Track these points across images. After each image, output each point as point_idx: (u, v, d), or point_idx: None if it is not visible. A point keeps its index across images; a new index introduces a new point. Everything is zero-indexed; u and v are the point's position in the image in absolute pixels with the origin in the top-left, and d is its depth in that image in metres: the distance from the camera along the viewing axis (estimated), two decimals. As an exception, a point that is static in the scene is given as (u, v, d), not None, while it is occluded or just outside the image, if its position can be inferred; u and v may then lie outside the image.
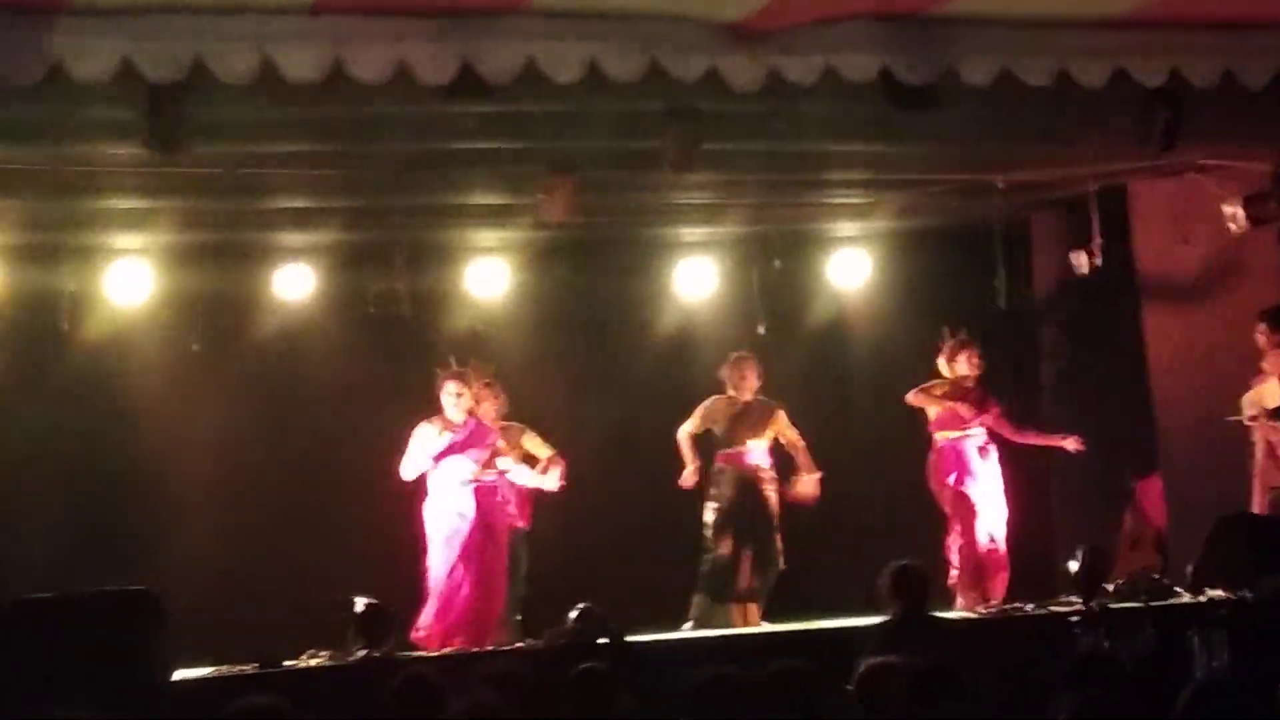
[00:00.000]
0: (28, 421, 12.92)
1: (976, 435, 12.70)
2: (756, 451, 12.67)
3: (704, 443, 12.69)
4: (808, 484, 12.65)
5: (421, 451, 11.65)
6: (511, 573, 12.08)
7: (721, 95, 9.43)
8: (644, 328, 13.89)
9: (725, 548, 12.49)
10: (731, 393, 12.67)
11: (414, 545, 11.71)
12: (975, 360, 12.72)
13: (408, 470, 11.64)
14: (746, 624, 12.37)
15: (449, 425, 11.73)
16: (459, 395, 11.73)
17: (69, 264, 11.18)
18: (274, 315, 13.18)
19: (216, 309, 12.76)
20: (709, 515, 12.60)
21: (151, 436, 13.13)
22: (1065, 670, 5.99)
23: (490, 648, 11.47)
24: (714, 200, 12.65)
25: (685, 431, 12.63)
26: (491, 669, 7.42)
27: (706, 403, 12.69)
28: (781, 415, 12.73)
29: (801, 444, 12.71)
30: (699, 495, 12.65)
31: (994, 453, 12.75)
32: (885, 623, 8.32)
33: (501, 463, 11.84)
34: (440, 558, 11.62)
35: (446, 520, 11.64)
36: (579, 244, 13.04)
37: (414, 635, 11.43)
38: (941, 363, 12.77)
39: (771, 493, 12.63)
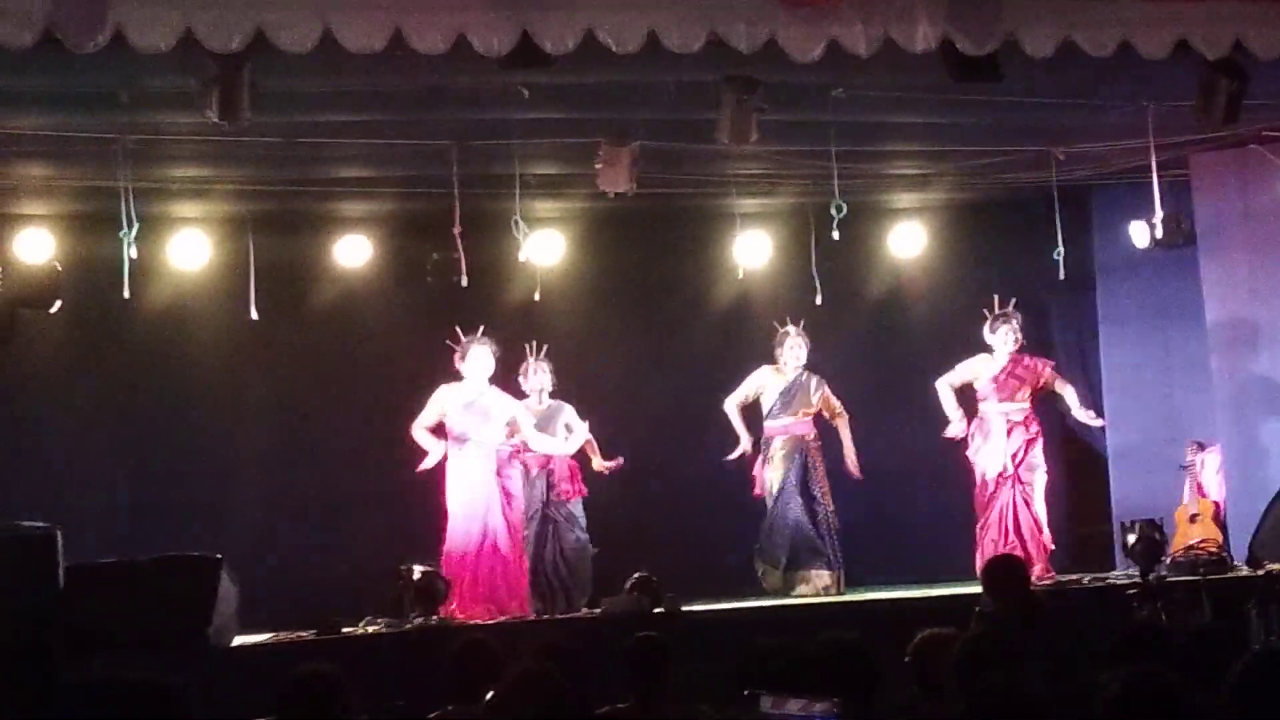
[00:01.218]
0: (90, 388, 13.04)
1: (1020, 408, 12.64)
2: (804, 422, 12.72)
3: (750, 413, 12.75)
4: (851, 464, 12.78)
5: (435, 414, 11.77)
6: (564, 545, 12.14)
7: (781, 66, 9.41)
8: (701, 298, 13.90)
9: (786, 515, 12.53)
10: (781, 364, 12.74)
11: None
12: (1016, 334, 12.64)
13: (418, 430, 11.76)
14: (818, 590, 12.39)
15: (470, 390, 11.83)
16: (482, 360, 11.82)
17: (130, 232, 11.24)
18: (332, 284, 13.26)
19: (275, 278, 12.83)
20: (769, 487, 12.63)
21: (211, 404, 13.24)
22: (1118, 643, 5.97)
23: (546, 616, 11.54)
24: (772, 171, 12.63)
25: (733, 402, 12.69)
26: (548, 637, 7.46)
27: (755, 374, 12.74)
28: (826, 387, 12.78)
29: (846, 419, 12.79)
30: (751, 466, 12.70)
31: (1036, 426, 12.68)
32: (989, 612, 8.19)
33: (529, 435, 11.96)
34: (461, 528, 11.69)
35: (467, 490, 11.71)
36: (637, 215, 13.03)
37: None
38: (985, 333, 12.73)
39: (820, 460, 12.69)
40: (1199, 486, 13.14)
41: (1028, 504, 12.49)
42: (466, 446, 11.78)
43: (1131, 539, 11.81)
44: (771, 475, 12.65)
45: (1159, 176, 12.04)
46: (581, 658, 6.32)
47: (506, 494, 11.79)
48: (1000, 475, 12.50)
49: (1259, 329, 13.02)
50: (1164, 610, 10.35)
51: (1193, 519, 12.81)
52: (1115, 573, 12.44)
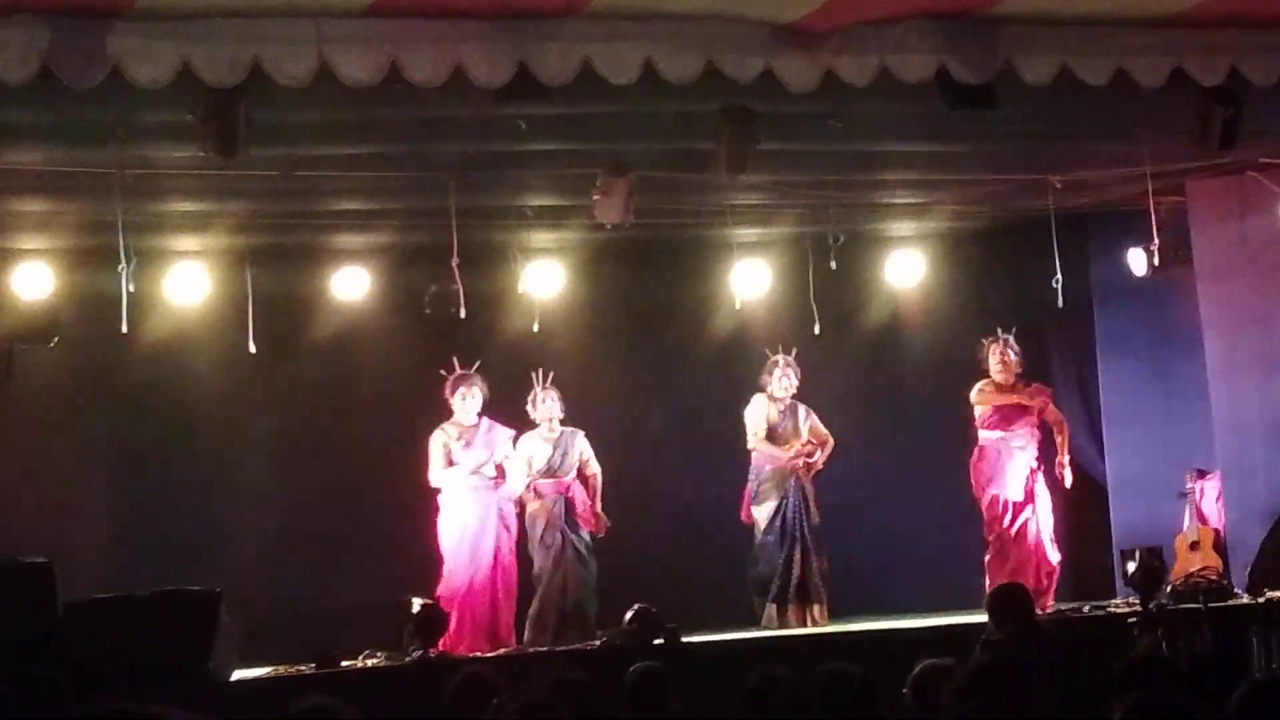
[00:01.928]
0: (88, 423, 13.01)
1: (1020, 436, 12.64)
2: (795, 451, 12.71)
3: (741, 445, 12.73)
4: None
5: (442, 458, 11.87)
6: (581, 576, 12.10)
7: (777, 96, 9.42)
8: (699, 328, 13.88)
9: (779, 549, 12.50)
10: (772, 394, 12.72)
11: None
12: (1007, 358, 12.64)
13: (437, 478, 11.89)
14: (810, 623, 12.37)
15: (462, 430, 11.89)
16: (469, 397, 11.86)
17: (129, 266, 11.24)
18: (330, 317, 13.23)
19: (273, 311, 12.81)
20: (759, 518, 12.61)
21: (209, 438, 13.21)
22: (1120, 671, 5.96)
23: (546, 648, 11.52)
24: (769, 201, 12.65)
25: (757, 439, 12.64)
26: (548, 669, 7.44)
27: (755, 407, 12.72)
28: (814, 416, 12.78)
29: (830, 444, 12.77)
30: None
31: (1038, 453, 12.66)
32: (991, 640, 8.18)
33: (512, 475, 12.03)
34: (458, 564, 11.71)
35: (464, 526, 11.75)
36: (634, 245, 13.05)
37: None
38: (987, 360, 12.76)
39: (810, 490, 12.66)
40: (1199, 513, 13.12)
41: (1037, 531, 12.49)
42: (464, 481, 11.83)
43: (1132, 567, 11.79)
44: (761, 508, 12.62)
45: (1156, 203, 12.05)
46: (585, 690, 6.29)
47: (505, 527, 11.84)
48: (1006, 502, 12.50)
49: (1257, 355, 13.01)
50: (1165, 638, 10.33)
51: (1193, 546, 12.78)
52: (1115, 601, 12.42)
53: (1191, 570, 12.37)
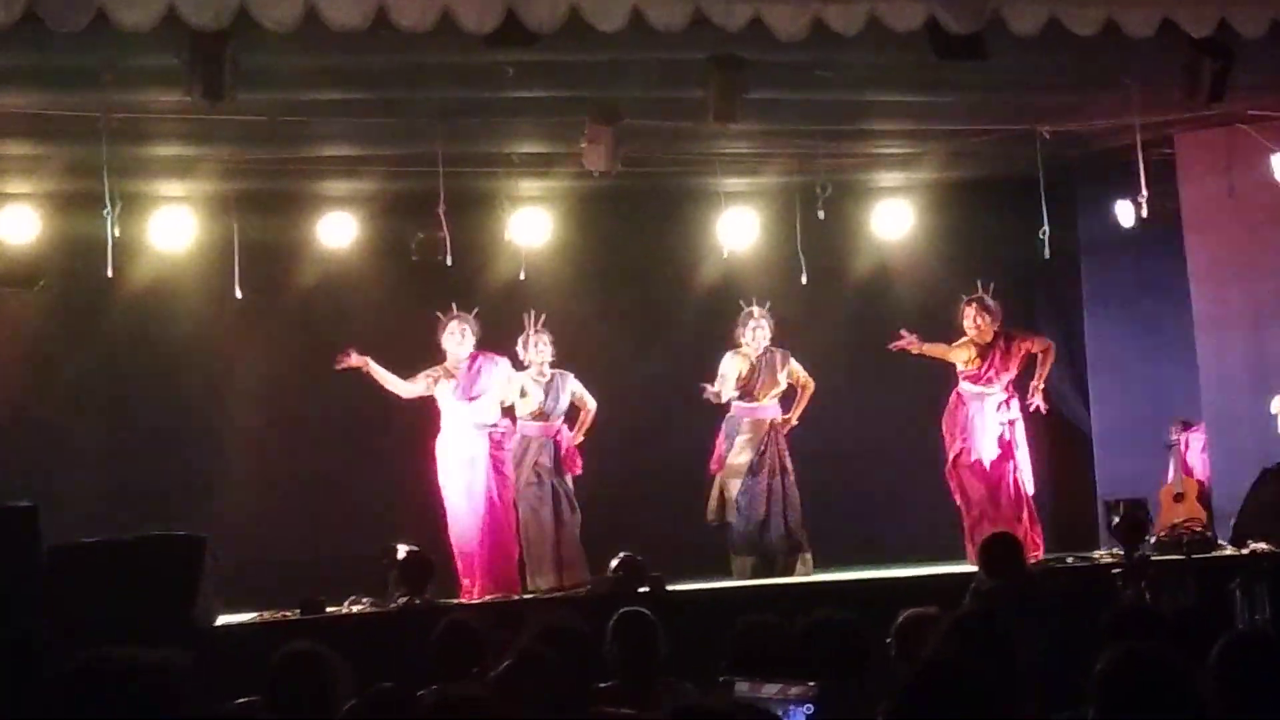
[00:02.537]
0: (73, 368, 12.99)
1: (998, 391, 12.60)
2: (771, 404, 12.68)
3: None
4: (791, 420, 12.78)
5: (420, 382, 11.90)
6: (563, 521, 12.09)
7: (766, 44, 9.38)
8: (686, 278, 13.87)
9: (762, 502, 12.49)
10: (743, 345, 12.67)
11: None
12: (981, 320, 12.54)
13: (402, 389, 11.91)
14: (796, 573, 12.37)
15: (452, 368, 11.87)
16: (460, 336, 11.84)
17: (114, 211, 11.20)
18: (317, 263, 13.21)
19: (259, 257, 12.79)
20: (735, 470, 12.56)
21: (195, 383, 13.21)
22: (1104, 622, 5.98)
23: (528, 595, 11.55)
24: (757, 150, 12.62)
25: (731, 395, 12.60)
26: (536, 617, 7.44)
27: (727, 363, 12.65)
28: (792, 360, 12.73)
29: (811, 388, 12.74)
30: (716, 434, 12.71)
31: (1015, 408, 12.63)
32: (982, 589, 8.19)
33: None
34: (460, 511, 11.71)
35: (460, 469, 11.74)
36: (622, 194, 13.01)
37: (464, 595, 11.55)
38: (963, 320, 12.70)
39: (786, 442, 12.65)
40: (1184, 465, 13.15)
41: (1018, 485, 12.47)
42: (459, 426, 11.80)
43: (1116, 518, 11.81)
44: (736, 460, 12.59)
45: (1145, 155, 12.03)
46: (574, 638, 6.29)
47: (500, 474, 11.82)
48: (975, 456, 12.47)
49: (1244, 308, 13.03)
50: (1149, 589, 10.36)
51: (1177, 498, 12.81)
52: (1099, 551, 12.44)
53: (1176, 521, 12.40)
